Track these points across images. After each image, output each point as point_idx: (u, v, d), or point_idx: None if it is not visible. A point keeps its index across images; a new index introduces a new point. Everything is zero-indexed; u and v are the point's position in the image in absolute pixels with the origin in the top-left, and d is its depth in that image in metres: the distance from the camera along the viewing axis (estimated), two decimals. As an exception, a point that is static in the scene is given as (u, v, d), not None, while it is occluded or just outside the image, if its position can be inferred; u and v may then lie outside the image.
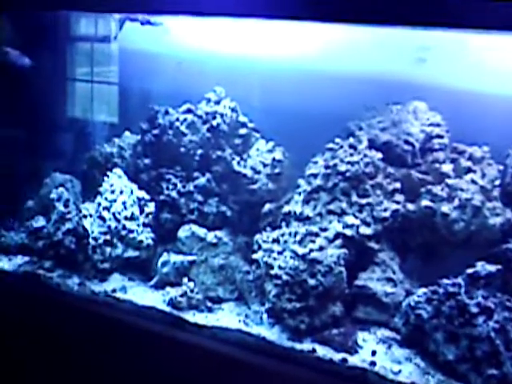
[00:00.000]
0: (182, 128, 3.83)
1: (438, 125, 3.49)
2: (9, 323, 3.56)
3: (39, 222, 3.78)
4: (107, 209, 3.70)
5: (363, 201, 3.22)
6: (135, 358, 3.19)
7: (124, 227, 3.64)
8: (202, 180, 3.78)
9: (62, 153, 4.55)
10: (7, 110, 4.21)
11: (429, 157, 3.43)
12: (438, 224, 3.15)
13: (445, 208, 3.11)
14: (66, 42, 4.78)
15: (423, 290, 2.93)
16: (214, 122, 3.79)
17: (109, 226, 3.65)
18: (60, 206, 3.64)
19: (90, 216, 3.74)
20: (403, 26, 2.67)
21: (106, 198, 3.73)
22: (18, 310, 3.56)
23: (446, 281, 2.84)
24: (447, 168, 3.32)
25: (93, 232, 3.65)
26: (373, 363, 2.79)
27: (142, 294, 3.44)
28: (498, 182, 3.24)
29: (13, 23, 4.13)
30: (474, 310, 2.68)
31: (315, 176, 3.36)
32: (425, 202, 3.18)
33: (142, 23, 3.96)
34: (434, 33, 2.82)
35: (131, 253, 3.64)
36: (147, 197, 3.79)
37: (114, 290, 3.44)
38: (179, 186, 3.79)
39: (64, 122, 4.82)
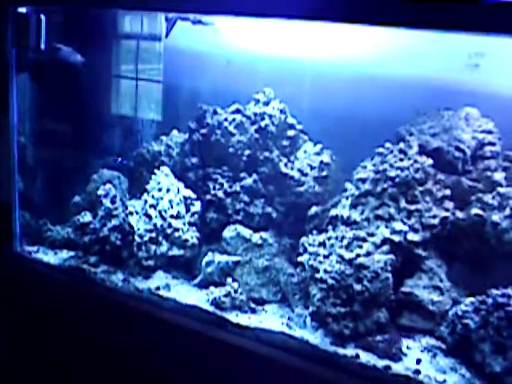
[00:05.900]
0: (231, 128, 3.84)
1: (490, 132, 3.42)
2: (53, 317, 3.61)
3: (86, 217, 3.83)
4: (153, 206, 3.72)
5: (412, 207, 3.18)
6: (177, 356, 3.21)
7: (170, 225, 3.66)
8: (248, 181, 3.78)
9: (110, 149, 4.58)
10: (58, 105, 4.27)
11: (480, 164, 3.37)
12: (488, 233, 3.10)
13: (495, 217, 3.06)
14: (116, 40, 4.83)
15: (471, 299, 2.89)
16: (263, 123, 3.78)
17: (154, 224, 3.67)
18: (107, 203, 3.68)
19: (136, 213, 3.77)
20: (457, 31, 2.62)
21: (152, 196, 3.76)
22: (63, 304, 3.61)
23: (495, 291, 2.79)
24: (499, 176, 3.26)
25: (138, 229, 3.67)
26: (417, 371, 2.75)
27: (185, 293, 3.46)
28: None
29: (64, 20, 4.18)
30: (524, 321, 2.63)
31: (364, 180, 3.33)
32: (475, 210, 3.13)
33: (194, 22, 3.98)
34: (488, 38, 2.77)
35: (176, 251, 3.66)
36: (193, 196, 3.81)
37: (157, 288, 3.46)
38: (226, 185, 3.80)
39: (112, 119, 4.87)
